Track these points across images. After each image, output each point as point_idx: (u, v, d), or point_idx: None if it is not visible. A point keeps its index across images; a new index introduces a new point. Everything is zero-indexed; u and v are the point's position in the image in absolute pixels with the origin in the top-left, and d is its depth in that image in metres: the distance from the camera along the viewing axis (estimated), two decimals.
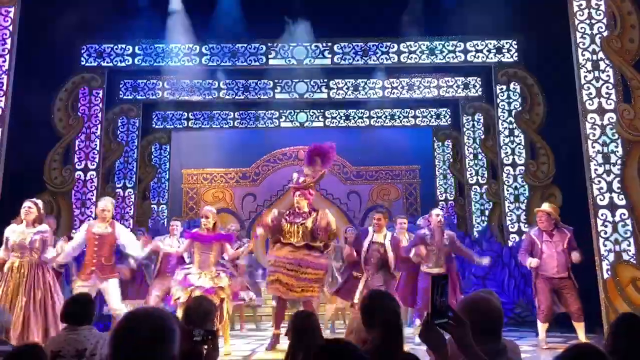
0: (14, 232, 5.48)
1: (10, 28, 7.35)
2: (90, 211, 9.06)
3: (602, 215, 6.82)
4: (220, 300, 5.59)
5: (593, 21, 7.29)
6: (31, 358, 2.41)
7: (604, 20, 7.26)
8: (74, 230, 8.86)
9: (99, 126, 9.33)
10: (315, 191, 6.69)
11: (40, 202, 5.78)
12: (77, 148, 9.20)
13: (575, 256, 6.20)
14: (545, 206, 6.62)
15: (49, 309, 5.24)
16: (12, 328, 4.24)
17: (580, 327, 6.10)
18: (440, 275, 1.69)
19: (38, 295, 5.24)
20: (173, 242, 7.21)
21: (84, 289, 5.35)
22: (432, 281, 1.65)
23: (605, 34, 7.21)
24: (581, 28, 7.30)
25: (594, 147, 7.00)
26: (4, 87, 7.19)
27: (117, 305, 5.79)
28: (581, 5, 7.27)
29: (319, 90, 10.63)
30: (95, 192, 9.16)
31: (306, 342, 2.72)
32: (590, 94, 7.12)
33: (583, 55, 7.23)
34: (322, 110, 11.65)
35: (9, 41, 7.32)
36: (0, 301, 5.12)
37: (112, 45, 9.34)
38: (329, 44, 9.37)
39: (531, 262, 6.28)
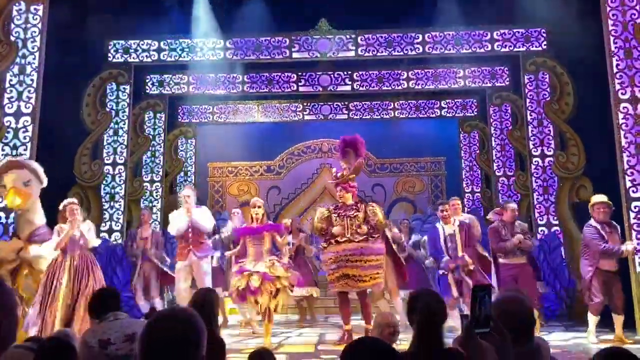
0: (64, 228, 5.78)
1: (39, 26, 7.50)
2: (119, 204, 9.23)
3: (634, 207, 6.66)
4: (276, 290, 5.59)
5: (625, 8, 7.09)
6: (61, 350, 2.45)
7: (637, 7, 7.04)
8: (103, 224, 9.06)
9: (127, 121, 9.47)
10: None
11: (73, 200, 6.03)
12: (105, 143, 9.35)
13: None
14: (602, 197, 6.25)
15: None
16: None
17: (619, 321, 5.98)
18: (479, 286, 1.67)
19: (84, 286, 5.48)
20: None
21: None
22: (472, 292, 1.65)
23: (638, 20, 7.00)
24: (613, 15, 7.10)
25: (626, 138, 6.83)
26: (34, 84, 7.36)
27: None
28: None
29: (342, 83, 10.58)
30: (123, 185, 9.32)
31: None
32: (623, 82, 6.93)
33: (615, 43, 7.04)
34: (346, 103, 11.60)
35: (38, 39, 7.47)
36: (52, 292, 5.42)
37: (138, 41, 9.44)
38: (353, 36, 9.29)
39: (627, 245, 6.06)
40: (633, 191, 6.70)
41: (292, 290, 5.96)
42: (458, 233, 6.23)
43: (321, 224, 6.07)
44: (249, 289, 5.62)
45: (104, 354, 2.81)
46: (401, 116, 11.62)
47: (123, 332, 2.88)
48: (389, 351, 1.50)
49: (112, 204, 9.24)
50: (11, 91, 7.34)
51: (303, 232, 8.32)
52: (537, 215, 9.02)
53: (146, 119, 10.46)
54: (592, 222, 6.16)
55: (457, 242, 6.20)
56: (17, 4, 7.49)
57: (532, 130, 9.13)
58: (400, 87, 10.62)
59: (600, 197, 6.24)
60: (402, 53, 9.29)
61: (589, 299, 6.09)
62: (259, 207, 6.05)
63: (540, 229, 8.92)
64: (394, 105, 11.55)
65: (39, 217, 5.98)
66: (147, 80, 10.51)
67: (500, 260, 6.45)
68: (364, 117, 11.62)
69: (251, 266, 5.74)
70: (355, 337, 4.09)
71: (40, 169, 6.16)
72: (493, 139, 10.40)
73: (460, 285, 6.08)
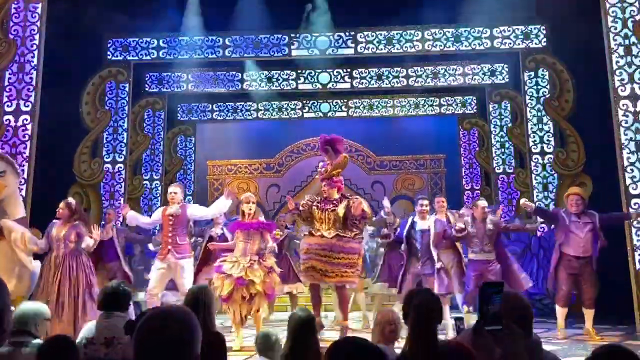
0: (53, 227, 5.77)
1: (38, 24, 7.49)
2: (119, 203, 9.22)
3: (634, 204, 6.66)
4: (249, 296, 5.48)
5: (625, 4, 7.08)
6: (63, 350, 2.45)
7: (636, 4, 7.04)
8: (102, 222, 9.05)
9: (126, 119, 9.46)
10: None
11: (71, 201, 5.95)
12: (105, 141, 9.35)
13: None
14: (577, 189, 6.39)
15: (80, 297, 5.44)
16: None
17: (589, 315, 5.92)
18: (490, 284, 1.67)
19: (72, 283, 5.47)
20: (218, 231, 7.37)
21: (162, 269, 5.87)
22: (481, 289, 1.65)
23: (637, 17, 7.00)
24: (612, 12, 7.09)
25: (626, 135, 6.83)
26: (34, 83, 7.35)
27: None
28: None
29: (342, 80, 10.56)
30: (123, 184, 9.32)
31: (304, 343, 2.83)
32: (623, 79, 6.93)
33: (615, 40, 7.04)
34: (345, 100, 11.59)
35: (37, 37, 7.46)
36: (42, 289, 5.43)
37: (137, 39, 9.43)
38: (352, 33, 9.28)
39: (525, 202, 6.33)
40: (633, 188, 6.70)
41: (268, 297, 5.76)
42: (433, 230, 6.25)
43: (302, 207, 5.98)
44: (220, 296, 5.52)
45: (83, 352, 2.84)
46: (400, 114, 11.61)
47: (103, 334, 2.90)
48: (371, 350, 1.50)
49: (111, 202, 9.24)
50: (10, 89, 7.33)
51: (289, 229, 8.23)
52: None
53: (145, 117, 10.47)
54: (563, 209, 6.32)
55: (430, 238, 6.23)
56: (15, 2, 7.48)
57: (531, 128, 9.12)
58: (399, 85, 10.61)
59: (574, 189, 6.46)
60: (401, 50, 9.28)
61: (553, 288, 6.04)
62: (253, 202, 5.90)
63: (540, 226, 8.90)
64: (393, 102, 11.55)
65: (16, 210, 5.95)
66: (146, 78, 10.51)
67: (470, 256, 6.35)
68: (363, 115, 11.61)
69: (228, 267, 5.57)
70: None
71: (14, 162, 6.17)
72: (493, 136, 10.39)
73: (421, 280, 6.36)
